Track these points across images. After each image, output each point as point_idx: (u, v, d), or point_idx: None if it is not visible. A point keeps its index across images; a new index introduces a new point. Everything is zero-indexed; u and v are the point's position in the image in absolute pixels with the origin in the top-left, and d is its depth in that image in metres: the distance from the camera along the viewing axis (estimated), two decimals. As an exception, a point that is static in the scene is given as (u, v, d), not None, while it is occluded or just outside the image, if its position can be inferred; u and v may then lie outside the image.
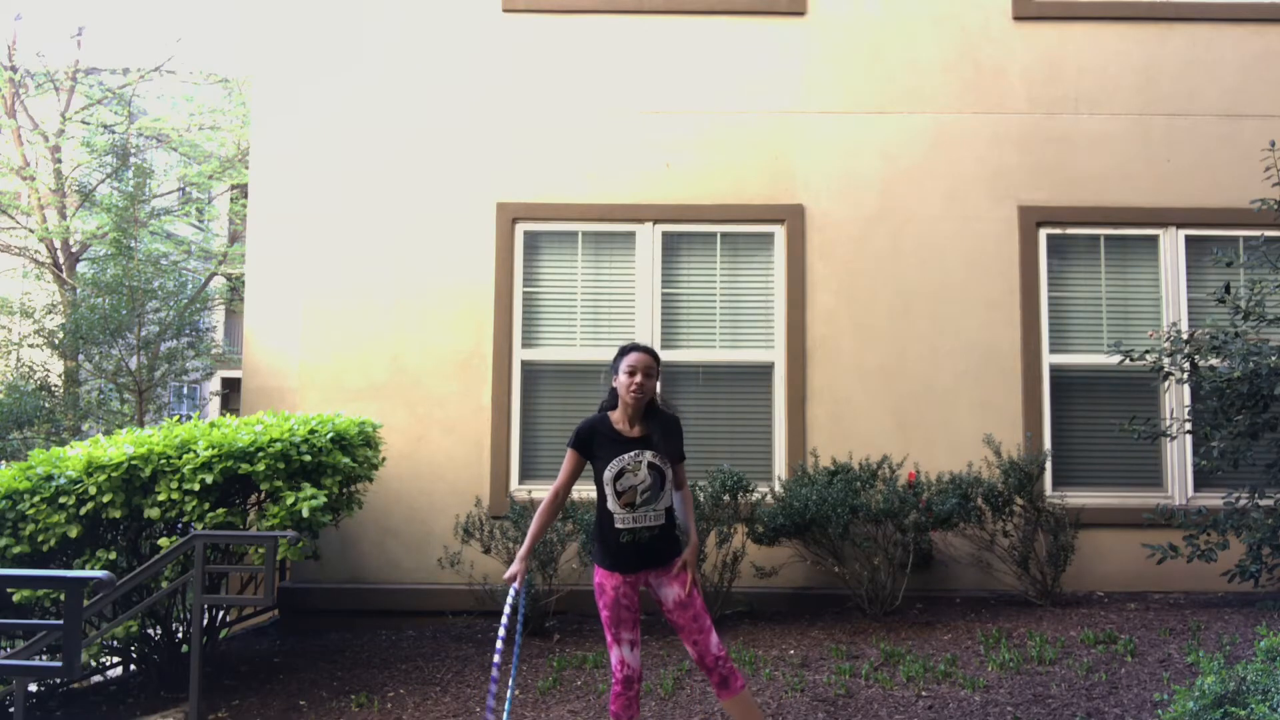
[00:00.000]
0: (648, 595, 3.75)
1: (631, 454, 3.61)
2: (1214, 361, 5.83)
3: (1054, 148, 6.98)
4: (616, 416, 3.69)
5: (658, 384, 3.78)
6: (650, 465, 3.61)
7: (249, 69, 13.47)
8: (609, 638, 3.62)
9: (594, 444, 3.66)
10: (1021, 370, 6.79)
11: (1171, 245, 6.94)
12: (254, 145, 7.30)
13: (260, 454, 5.18)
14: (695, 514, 5.89)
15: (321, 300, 6.95)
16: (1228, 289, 5.92)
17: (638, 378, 3.60)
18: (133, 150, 16.54)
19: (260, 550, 5.12)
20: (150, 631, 5.55)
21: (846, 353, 6.85)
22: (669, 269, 6.98)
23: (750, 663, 5.22)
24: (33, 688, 5.63)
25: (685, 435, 3.81)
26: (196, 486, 5.04)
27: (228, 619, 6.13)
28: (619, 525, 3.59)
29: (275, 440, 5.23)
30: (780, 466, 6.75)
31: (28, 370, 12.46)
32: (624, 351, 3.70)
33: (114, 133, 16.27)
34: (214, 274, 17.21)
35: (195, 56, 29.57)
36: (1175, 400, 6.75)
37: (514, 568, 3.64)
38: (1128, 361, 5.94)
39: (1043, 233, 6.95)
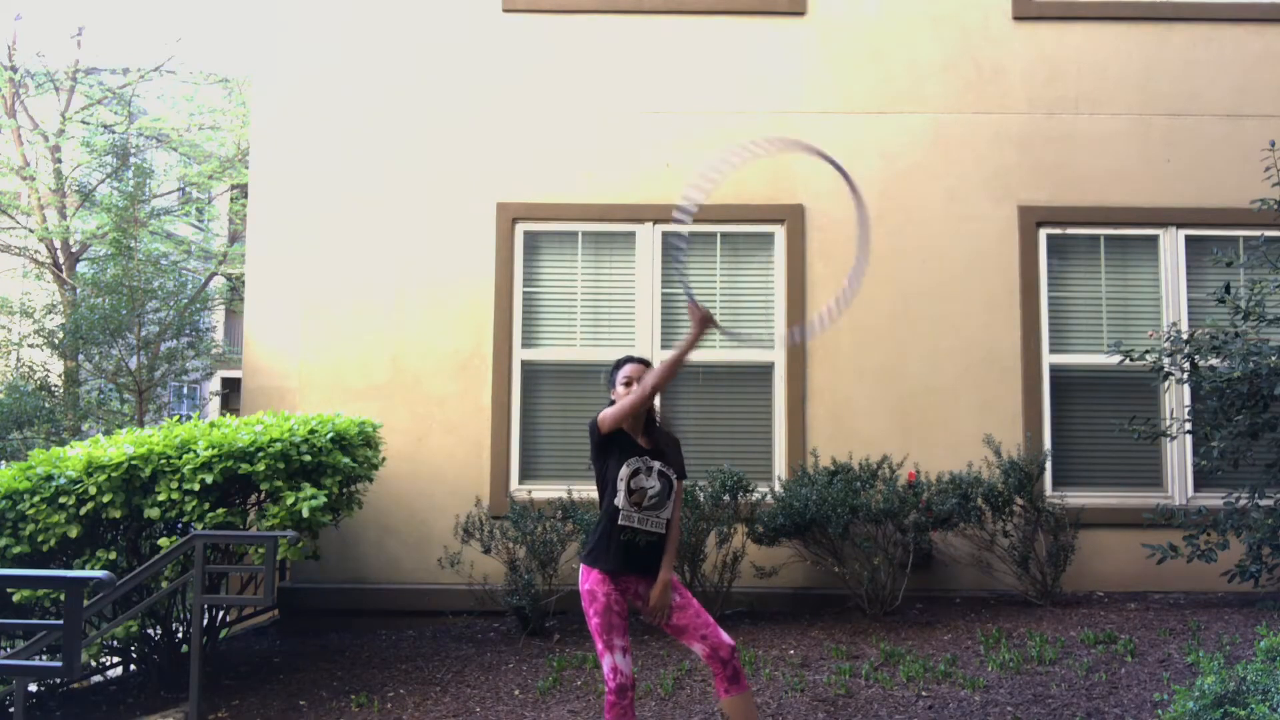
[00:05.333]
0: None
1: (644, 459, 3.70)
2: (1214, 361, 5.83)
3: (1054, 148, 6.98)
4: (625, 427, 3.74)
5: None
6: (661, 474, 3.70)
7: (249, 69, 13.46)
8: (600, 646, 3.61)
9: (617, 435, 3.70)
10: (1021, 370, 6.79)
11: (1171, 245, 6.94)
12: (254, 145, 7.30)
13: (260, 454, 5.18)
14: (695, 514, 5.92)
15: (321, 300, 6.95)
16: (1228, 289, 5.92)
17: (634, 387, 3.70)
18: (133, 150, 16.55)
19: (260, 550, 5.12)
20: (150, 631, 5.55)
21: (846, 353, 6.84)
22: (669, 269, 6.97)
23: (750, 663, 5.22)
24: (33, 688, 5.62)
25: (686, 436, 3.85)
26: (196, 486, 5.04)
27: (228, 619, 6.13)
28: (622, 522, 3.63)
29: (275, 440, 5.23)
30: (780, 466, 6.75)
31: (28, 370, 12.47)
32: (619, 364, 3.84)
33: (114, 133, 16.27)
34: (214, 274, 17.21)
35: (195, 56, 29.56)
36: (1175, 400, 6.74)
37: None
38: (1128, 361, 5.94)
39: (1043, 233, 6.95)
